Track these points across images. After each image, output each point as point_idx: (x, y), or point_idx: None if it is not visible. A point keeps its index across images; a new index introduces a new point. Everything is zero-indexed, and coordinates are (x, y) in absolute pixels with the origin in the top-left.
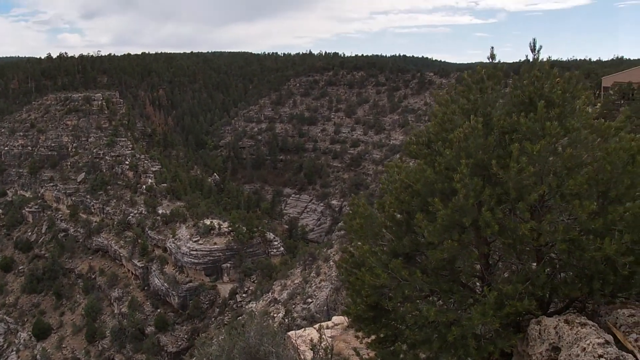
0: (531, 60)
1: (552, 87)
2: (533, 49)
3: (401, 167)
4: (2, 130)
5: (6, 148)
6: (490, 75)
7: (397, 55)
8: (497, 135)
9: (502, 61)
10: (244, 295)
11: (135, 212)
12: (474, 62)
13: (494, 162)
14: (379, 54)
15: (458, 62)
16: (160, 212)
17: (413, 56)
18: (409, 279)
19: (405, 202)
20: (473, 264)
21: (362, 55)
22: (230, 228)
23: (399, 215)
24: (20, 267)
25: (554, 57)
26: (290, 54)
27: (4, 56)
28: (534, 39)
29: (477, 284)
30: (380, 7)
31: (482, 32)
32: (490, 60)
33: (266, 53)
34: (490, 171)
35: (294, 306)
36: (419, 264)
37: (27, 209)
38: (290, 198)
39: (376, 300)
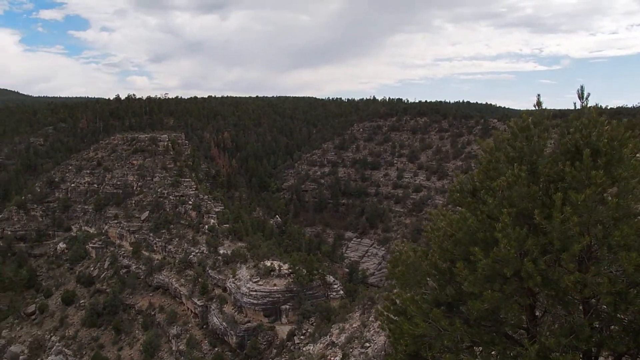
0: (579, 107)
1: (599, 135)
2: (581, 96)
3: (445, 215)
4: (70, 167)
5: (73, 185)
6: (537, 122)
7: (461, 101)
8: (542, 184)
9: (554, 108)
10: (301, 337)
11: (197, 251)
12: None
13: (537, 211)
14: (443, 100)
15: (522, 109)
16: (221, 252)
17: (477, 102)
18: (449, 328)
19: (448, 250)
20: (518, 315)
21: (426, 101)
22: (290, 270)
23: (442, 264)
24: (81, 301)
25: (617, 104)
26: (354, 99)
27: (75, 96)
28: (582, 86)
29: (523, 335)
30: (445, 54)
31: (546, 79)
32: (537, 107)
33: (330, 98)
34: (534, 221)
35: (351, 350)
36: (461, 313)
37: (90, 245)
38: (352, 242)
39: (416, 349)
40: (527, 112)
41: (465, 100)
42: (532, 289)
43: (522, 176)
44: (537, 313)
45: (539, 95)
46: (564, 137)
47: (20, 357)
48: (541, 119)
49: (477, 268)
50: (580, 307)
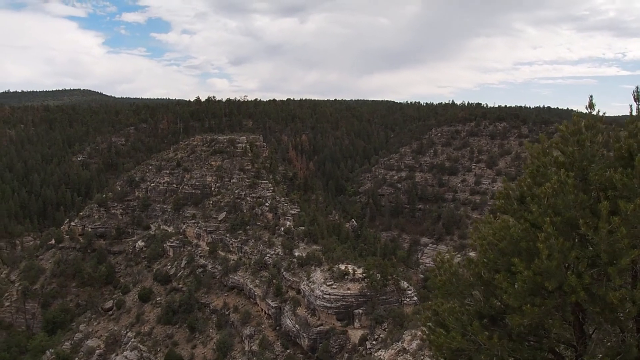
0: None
1: None
2: (637, 99)
3: (491, 222)
4: (150, 167)
5: (152, 184)
6: (589, 126)
7: (541, 106)
8: (593, 192)
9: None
10: (373, 342)
11: (272, 253)
12: (620, 114)
13: (582, 221)
14: (523, 105)
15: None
16: (296, 254)
17: (557, 108)
18: (487, 343)
19: (491, 260)
20: (563, 331)
21: (505, 106)
22: (364, 274)
23: (487, 274)
24: (157, 299)
25: None
26: (432, 103)
27: (156, 97)
28: (638, 87)
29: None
30: (525, 58)
31: (630, 84)
32: (589, 110)
33: (408, 102)
34: (580, 231)
35: (422, 357)
36: (506, 327)
37: (168, 244)
38: (427, 248)
39: None
40: (579, 114)
41: (545, 106)
42: (579, 304)
43: (569, 183)
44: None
45: (591, 96)
46: (618, 142)
47: (97, 352)
48: (594, 122)
49: (517, 280)
50: (632, 326)
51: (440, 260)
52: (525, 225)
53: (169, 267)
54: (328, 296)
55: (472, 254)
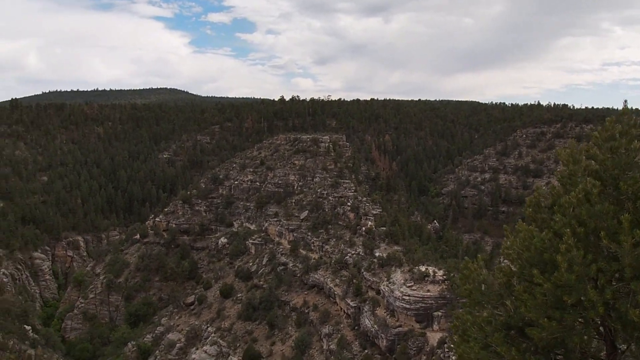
0: None
1: None
2: None
3: (521, 231)
4: (234, 165)
5: (236, 182)
6: (624, 132)
7: (631, 108)
8: (623, 203)
9: None
10: (452, 345)
11: (353, 252)
12: None
13: (603, 233)
14: (610, 106)
15: None
16: (377, 254)
17: None
18: (508, 356)
19: (517, 271)
20: (588, 346)
21: (592, 107)
22: (445, 276)
23: (517, 284)
24: (238, 295)
25: None
26: (517, 104)
27: (241, 97)
28: None
29: None
30: (613, 58)
31: None
32: (624, 114)
33: (493, 103)
34: (602, 243)
35: None
36: (533, 339)
37: (250, 241)
38: None
39: None
40: (614, 119)
41: (634, 107)
42: (604, 320)
43: (595, 192)
44: (620, 345)
45: (625, 101)
46: None
47: (177, 345)
48: (629, 128)
49: (536, 292)
50: None
51: (467, 268)
52: (549, 235)
53: (251, 264)
54: (408, 297)
55: (505, 263)
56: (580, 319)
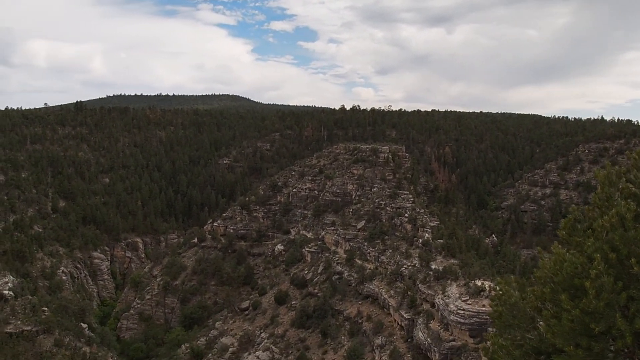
0: None
1: None
2: None
3: (558, 254)
4: (293, 173)
5: (294, 190)
6: None
7: None
8: None
9: None
10: None
11: (409, 264)
12: None
13: (633, 260)
14: None
15: None
16: (433, 267)
17: None
18: None
19: (548, 294)
20: None
21: None
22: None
23: (551, 308)
24: (293, 302)
25: None
26: (580, 118)
27: (302, 105)
28: None
29: None
30: None
31: None
32: None
33: (556, 116)
34: (632, 271)
35: None
36: None
37: (306, 249)
38: None
39: None
40: None
41: None
42: (632, 351)
43: (629, 217)
44: None
45: None
46: None
47: (230, 349)
48: None
49: (563, 319)
50: None
51: (499, 290)
52: (581, 259)
53: (306, 272)
54: (462, 312)
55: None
56: (608, 348)
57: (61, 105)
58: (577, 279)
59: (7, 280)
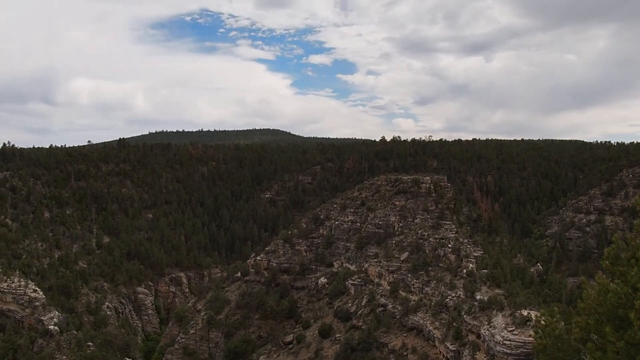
0: None
1: None
2: None
3: (602, 284)
4: (335, 205)
5: (337, 222)
6: None
7: None
8: None
9: None
10: None
11: (454, 295)
12: None
13: None
14: None
15: None
16: (478, 297)
17: None
18: None
19: (592, 325)
20: None
21: None
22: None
23: (593, 339)
24: (337, 335)
25: None
26: (623, 142)
27: (342, 137)
28: None
29: None
30: None
31: None
32: None
33: (598, 141)
34: None
35: None
36: None
37: (350, 281)
38: None
39: None
40: None
41: None
42: None
43: None
44: None
45: None
46: None
47: None
48: None
49: (607, 350)
50: None
51: (543, 321)
52: (625, 290)
53: (350, 304)
54: (509, 342)
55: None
56: None
57: (104, 142)
58: (621, 309)
59: (52, 315)
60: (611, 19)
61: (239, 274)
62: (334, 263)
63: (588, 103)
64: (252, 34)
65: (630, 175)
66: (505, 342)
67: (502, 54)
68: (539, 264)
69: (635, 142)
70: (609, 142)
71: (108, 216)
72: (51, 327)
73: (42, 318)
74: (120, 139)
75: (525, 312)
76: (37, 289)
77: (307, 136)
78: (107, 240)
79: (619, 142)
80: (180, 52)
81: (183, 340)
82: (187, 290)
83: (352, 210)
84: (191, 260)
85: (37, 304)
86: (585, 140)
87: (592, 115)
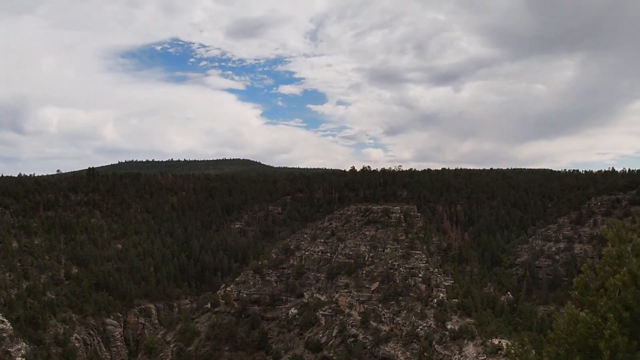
0: None
1: None
2: None
3: (572, 314)
4: (305, 236)
5: (307, 252)
6: None
7: None
8: None
9: None
10: None
11: (424, 324)
12: None
13: None
14: None
15: None
16: (449, 327)
17: None
18: None
19: (562, 356)
20: None
21: None
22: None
23: None
24: None
25: None
26: (591, 171)
27: (312, 167)
28: None
29: None
30: None
31: None
32: None
33: (566, 170)
34: None
35: None
36: None
37: (320, 312)
38: None
39: None
40: None
41: None
42: None
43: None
44: None
45: None
46: None
47: None
48: None
49: None
50: None
51: (513, 350)
52: (595, 319)
53: (321, 335)
54: None
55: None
56: None
57: (74, 172)
58: (591, 339)
59: (20, 347)
60: (579, 48)
61: (209, 305)
62: (305, 293)
63: (556, 132)
64: (223, 63)
65: (599, 203)
66: None
67: (471, 84)
68: (509, 292)
69: (602, 170)
70: (577, 170)
71: (77, 246)
72: (19, 358)
73: (9, 350)
74: (89, 168)
75: (496, 341)
76: (5, 320)
77: (278, 166)
78: (75, 270)
79: (587, 170)
80: (151, 82)
81: None
82: (156, 321)
83: (322, 240)
84: (160, 291)
85: (4, 335)
86: (553, 169)
87: (561, 145)
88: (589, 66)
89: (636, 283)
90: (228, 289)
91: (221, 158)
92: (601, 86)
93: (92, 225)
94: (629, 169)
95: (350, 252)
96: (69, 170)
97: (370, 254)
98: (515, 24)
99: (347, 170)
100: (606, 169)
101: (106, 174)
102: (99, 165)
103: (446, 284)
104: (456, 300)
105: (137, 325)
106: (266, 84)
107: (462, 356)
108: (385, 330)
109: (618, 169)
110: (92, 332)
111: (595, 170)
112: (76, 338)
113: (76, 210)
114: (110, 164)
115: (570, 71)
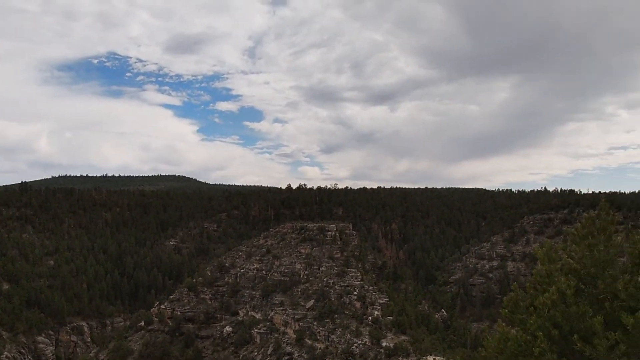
0: None
1: None
2: None
3: (502, 332)
4: (240, 253)
5: (242, 270)
6: (602, 228)
7: (636, 191)
8: (603, 302)
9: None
10: None
11: (359, 342)
12: None
13: (576, 336)
14: (618, 190)
15: None
16: (384, 344)
17: None
18: None
19: None
20: None
21: (600, 192)
22: None
23: None
24: None
25: None
26: (524, 190)
27: (248, 184)
28: None
29: None
30: (619, 142)
31: None
32: (602, 210)
33: (500, 189)
34: (575, 347)
35: None
36: None
37: (255, 330)
38: None
39: None
40: (591, 216)
41: None
42: None
43: (569, 293)
44: None
45: (602, 199)
46: (635, 244)
47: None
48: (607, 225)
49: None
50: None
51: None
52: (525, 337)
53: (256, 353)
54: None
55: None
56: None
57: (6, 186)
58: (521, 356)
59: None
60: (513, 70)
61: (143, 323)
62: (239, 311)
63: (490, 152)
64: (160, 79)
65: (531, 222)
66: None
67: (406, 104)
68: (443, 310)
69: (535, 189)
70: (510, 190)
71: (8, 262)
72: None
73: None
74: (22, 182)
75: (430, 358)
76: None
77: (213, 183)
78: (6, 287)
79: (520, 190)
80: (87, 95)
81: None
82: (89, 339)
83: (257, 258)
84: (93, 309)
85: None
86: (487, 189)
87: (494, 164)
88: (522, 87)
89: (565, 301)
90: (162, 306)
91: (156, 174)
92: (535, 107)
93: (23, 240)
94: (561, 189)
95: (286, 270)
96: (1, 185)
97: (306, 272)
98: (451, 46)
99: (284, 187)
100: (539, 189)
101: (39, 188)
102: (32, 180)
103: (381, 301)
104: (391, 317)
105: (69, 343)
106: (203, 100)
107: None
108: (320, 349)
109: (550, 188)
110: (22, 350)
111: (528, 189)
112: (6, 356)
113: (7, 225)
114: (43, 178)
115: (504, 93)
